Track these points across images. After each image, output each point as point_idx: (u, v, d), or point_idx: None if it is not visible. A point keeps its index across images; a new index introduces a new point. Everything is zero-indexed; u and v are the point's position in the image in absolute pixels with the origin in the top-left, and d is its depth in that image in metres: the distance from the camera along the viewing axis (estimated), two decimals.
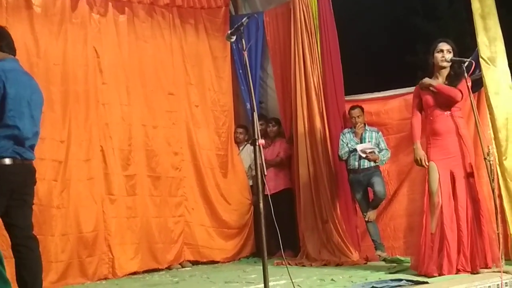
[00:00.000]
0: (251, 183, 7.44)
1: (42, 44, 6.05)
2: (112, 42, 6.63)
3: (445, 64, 4.93)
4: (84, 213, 6.05)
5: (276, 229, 3.69)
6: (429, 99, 4.97)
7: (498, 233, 4.77)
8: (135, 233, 6.38)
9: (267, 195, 3.65)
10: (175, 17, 7.25)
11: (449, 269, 4.58)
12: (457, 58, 4.91)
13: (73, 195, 5.99)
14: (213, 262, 6.97)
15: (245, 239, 7.34)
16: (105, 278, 6.05)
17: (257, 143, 3.39)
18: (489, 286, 4.23)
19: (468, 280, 4.34)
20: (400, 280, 4.37)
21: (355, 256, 6.15)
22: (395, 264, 5.57)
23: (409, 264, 5.20)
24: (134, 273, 6.26)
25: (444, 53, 4.93)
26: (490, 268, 4.58)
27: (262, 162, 3.40)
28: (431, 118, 4.97)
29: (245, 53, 3.57)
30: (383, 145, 6.29)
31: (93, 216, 6.11)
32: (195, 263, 6.88)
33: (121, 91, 6.62)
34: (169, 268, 6.60)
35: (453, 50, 4.95)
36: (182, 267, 6.72)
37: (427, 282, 4.31)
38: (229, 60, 7.71)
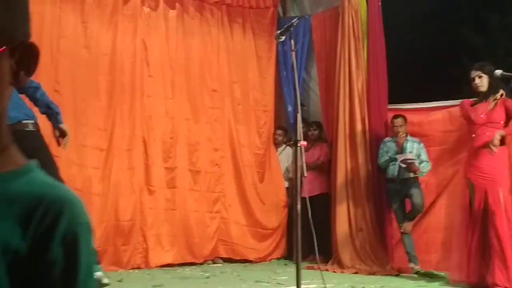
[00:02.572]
0: (286, 185, 7.41)
1: (93, 34, 6.16)
2: (161, 36, 6.70)
3: (480, 89, 5.11)
4: (123, 202, 6.12)
5: (312, 232, 3.65)
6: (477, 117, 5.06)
7: None
8: (172, 226, 6.42)
9: (304, 198, 3.60)
10: (224, 15, 7.28)
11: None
12: (508, 74, 4.82)
13: (113, 183, 6.06)
14: (245, 260, 6.95)
15: (277, 241, 7.31)
16: (138, 268, 6.10)
17: (298, 144, 3.35)
18: None
19: None
20: None
21: (387, 266, 6.05)
22: (428, 278, 5.46)
23: (443, 279, 5.12)
24: (167, 265, 6.30)
25: (476, 80, 5.10)
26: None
27: (302, 163, 3.36)
28: (474, 135, 5.01)
29: (293, 54, 3.54)
30: (424, 156, 6.16)
31: (131, 205, 6.18)
32: (226, 260, 6.89)
33: (166, 85, 6.68)
34: (201, 263, 6.62)
35: (484, 71, 5.08)
36: (214, 263, 6.74)
37: None
38: (273, 61, 7.70)
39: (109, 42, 6.29)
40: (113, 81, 6.27)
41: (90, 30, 6.14)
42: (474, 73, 5.14)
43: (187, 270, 6.18)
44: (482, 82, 5.07)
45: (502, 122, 5.00)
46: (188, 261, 6.50)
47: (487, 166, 4.93)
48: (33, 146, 3.52)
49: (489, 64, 5.20)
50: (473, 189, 5.01)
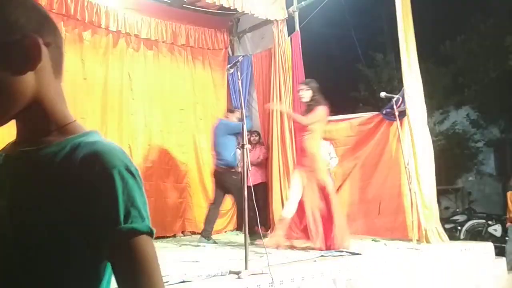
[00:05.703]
0: None
1: (89, 68, 6.00)
2: (142, 70, 6.59)
3: (303, 100, 4.83)
4: None
5: (255, 210, 3.68)
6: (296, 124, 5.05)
7: (412, 221, 4.84)
8: (149, 211, 6.27)
9: (249, 186, 3.62)
10: (188, 54, 7.23)
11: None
12: (390, 95, 5.01)
13: None
14: None
15: (230, 217, 7.30)
16: None
17: (245, 147, 3.38)
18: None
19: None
20: (342, 251, 4.39)
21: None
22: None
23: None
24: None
25: (300, 92, 4.84)
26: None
27: (248, 161, 3.39)
28: (297, 138, 5.04)
29: (240, 82, 3.57)
30: (333, 154, 6.31)
31: None
32: (193, 233, 6.82)
33: (145, 105, 6.57)
34: (174, 236, 6.53)
35: (308, 86, 4.81)
36: (184, 235, 6.66)
37: (360, 254, 4.29)
38: (225, 87, 7.69)
39: (102, 74, 6.14)
40: (105, 103, 6.13)
41: (87, 65, 5.98)
42: (300, 86, 4.85)
43: (164, 242, 6.07)
44: (304, 94, 4.77)
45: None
46: (162, 235, 6.36)
47: (304, 161, 4.78)
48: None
49: (315, 81, 4.90)
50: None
